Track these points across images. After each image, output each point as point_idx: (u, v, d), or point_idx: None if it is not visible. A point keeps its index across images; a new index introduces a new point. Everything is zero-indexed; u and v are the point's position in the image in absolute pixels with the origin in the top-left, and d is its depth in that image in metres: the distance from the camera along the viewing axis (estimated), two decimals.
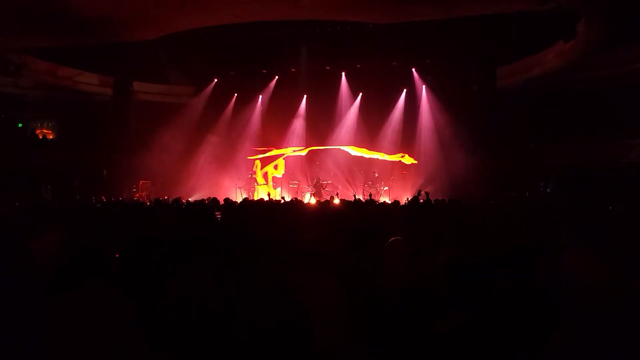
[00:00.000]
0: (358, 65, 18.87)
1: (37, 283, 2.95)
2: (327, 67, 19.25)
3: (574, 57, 16.10)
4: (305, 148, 19.62)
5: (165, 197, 14.73)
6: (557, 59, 16.68)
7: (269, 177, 19.29)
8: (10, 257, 3.24)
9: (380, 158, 18.62)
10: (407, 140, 18.85)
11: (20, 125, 21.61)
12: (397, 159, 18.38)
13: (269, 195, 15.74)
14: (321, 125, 19.34)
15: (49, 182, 17.49)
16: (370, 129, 19.02)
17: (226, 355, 2.51)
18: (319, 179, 18.51)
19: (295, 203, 10.63)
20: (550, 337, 2.97)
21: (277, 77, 19.91)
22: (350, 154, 19.03)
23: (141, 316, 2.72)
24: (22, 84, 19.30)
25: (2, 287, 2.84)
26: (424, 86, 18.90)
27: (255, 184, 19.09)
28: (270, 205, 10.33)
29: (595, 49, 15.40)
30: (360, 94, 19.38)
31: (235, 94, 20.35)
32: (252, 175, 19.24)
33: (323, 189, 18.32)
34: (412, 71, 18.89)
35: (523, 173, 17.72)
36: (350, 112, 19.50)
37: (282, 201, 11.28)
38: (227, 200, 10.63)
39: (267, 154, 19.52)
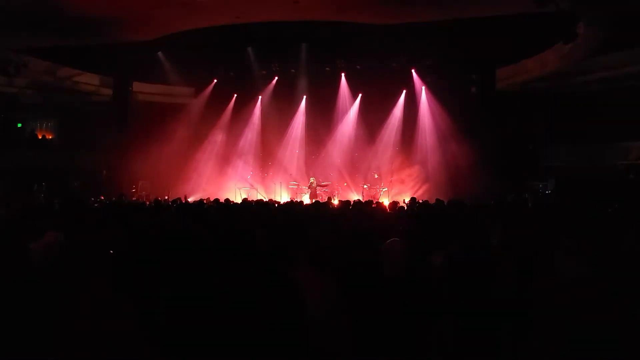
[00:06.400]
0: (358, 66, 18.88)
1: (37, 283, 2.96)
2: (327, 68, 19.27)
3: (573, 59, 16.14)
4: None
5: (166, 198, 14.75)
6: (556, 61, 16.71)
7: None
8: (9, 257, 3.25)
9: None
10: (406, 141, 18.86)
11: (19, 125, 21.60)
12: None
13: None
14: (321, 126, 19.34)
15: (42, 182, 17.44)
16: (369, 130, 19.01)
17: (225, 353, 2.52)
18: (314, 179, 18.54)
19: (293, 204, 10.64)
20: (547, 336, 2.99)
21: (276, 77, 19.92)
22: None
23: (139, 316, 2.73)
24: (21, 84, 19.30)
25: (1, 287, 2.85)
26: (423, 87, 18.88)
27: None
28: (269, 206, 10.33)
29: (593, 51, 15.44)
30: (360, 94, 19.38)
31: (235, 95, 20.33)
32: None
33: (320, 188, 18.36)
34: (412, 72, 18.87)
35: (522, 174, 17.74)
36: (350, 113, 19.52)
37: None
38: (227, 200, 10.67)
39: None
